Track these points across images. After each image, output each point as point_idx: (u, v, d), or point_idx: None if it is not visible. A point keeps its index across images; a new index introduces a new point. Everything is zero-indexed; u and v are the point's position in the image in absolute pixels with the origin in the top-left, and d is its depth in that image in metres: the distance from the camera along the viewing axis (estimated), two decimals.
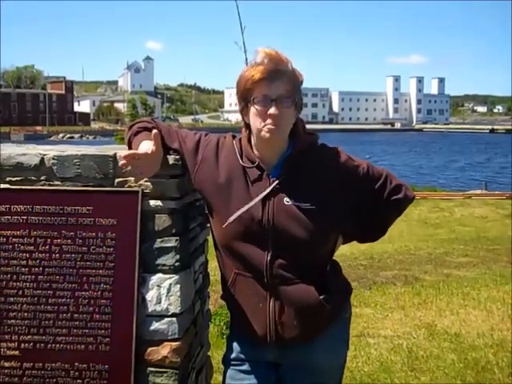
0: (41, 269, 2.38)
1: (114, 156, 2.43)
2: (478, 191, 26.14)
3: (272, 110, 2.15)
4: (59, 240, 2.38)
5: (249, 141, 2.32)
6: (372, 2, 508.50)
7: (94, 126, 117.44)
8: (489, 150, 72.57)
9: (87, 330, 2.36)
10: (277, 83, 2.16)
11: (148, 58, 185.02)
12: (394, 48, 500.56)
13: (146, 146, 2.25)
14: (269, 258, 2.22)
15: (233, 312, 2.45)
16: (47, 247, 2.39)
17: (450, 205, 20.94)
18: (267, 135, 2.18)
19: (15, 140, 74.01)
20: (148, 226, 2.40)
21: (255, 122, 2.21)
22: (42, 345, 2.37)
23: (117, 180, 2.43)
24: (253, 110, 2.20)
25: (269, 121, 2.16)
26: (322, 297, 2.25)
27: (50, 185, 2.44)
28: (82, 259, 2.38)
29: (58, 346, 2.37)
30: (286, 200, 2.22)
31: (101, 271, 2.37)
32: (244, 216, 2.22)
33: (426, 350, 5.39)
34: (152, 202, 2.40)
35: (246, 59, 5.37)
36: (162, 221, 2.39)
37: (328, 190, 2.25)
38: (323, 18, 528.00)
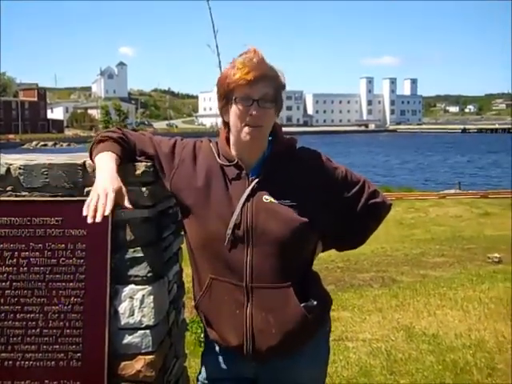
0: (8, 283, 2.29)
1: (84, 164, 2.36)
2: (452, 191, 26.39)
3: (254, 111, 2.13)
4: (27, 253, 2.30)
5: (227, 140, 2.28)
6: (344, 3, 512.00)
7: (68, 133, 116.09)
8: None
9: (57, 346, 2.28)
10: (260, 85, 2.14)
11: (121, 64, 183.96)
12: (366, 49, 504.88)
13: (102, 184, 2.15)
14: (248, 259, 2.16)
15: (207, 321, 2.35)
16: (14, 260, 2.30)
17: (424, 205, 21.11)
18: (247, 137, 2.16)
19: None
20: (119, 236, 2.33)
21: (236, 121, 2.18)
22: (11, 362, 2.28)
23: (86, 189, 2.36)
24: (234, 109, 2.18)
25: (250, 121, 2.14)
26: (302, 305, 2.19)
27: (16, 195, 2.36)
28: (51, 272, 2.29)
29: (27, 363, 2.28)
30: (265, 197, 2.18)
31: (71, 284, 2.29)
32: (223, 216, 2.17)
33: (405, 353, 5.38)
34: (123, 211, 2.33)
35: (220, 62, 5.32)
36: (134, 230, 2.33)
37: (307, 189, 2.22)
38: (296, 21, 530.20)
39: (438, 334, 5.89)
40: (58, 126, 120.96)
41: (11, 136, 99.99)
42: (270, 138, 2.28)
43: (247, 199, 2.18)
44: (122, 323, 2.32)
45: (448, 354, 5.32)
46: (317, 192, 2.23)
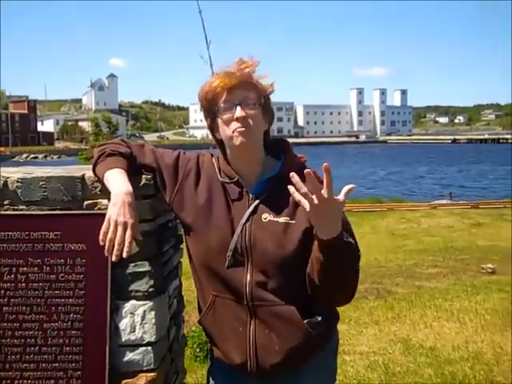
0: (6, 299, 2.23)
1: (83, 177, 2.31)
2: (443, 201, 26.44)
3: (238, 113, 2.09)
4: (25, 268, 2.24)
5: (226, 158, 2.24)
6: (334, 15, 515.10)
7: (58, 145, 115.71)
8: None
9: (57, 364, 2.21)
10: (240, 89, 2.12)
11: (112, 76, 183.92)
12: (357, 60, 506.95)
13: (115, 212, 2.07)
14: (248, 279, 2.13)
15: (210, 338, 2.32)
16: (12, 276, 2.24)
17: (416, 215, 21.11)
18: (238, 139, 2.11)
19: None
20: None
21: (224, 131, 2.15)
22: (9, 381, 2.21)
23: (86, 202, 2.31)
24: (220, 120, 2.15)
25: (236, 124, 2.10)
26: (306, 321, 2.14)
27: (14, 209, 2.31)
28: (50, 288, 2.24)
29: (25, 381, 2.21)
30: (264, 217, 2.14)
31: (70, 300, 2.24)
32: (223, 236, 2.14)
33: (403, 366, 5.34)
34: None
35: (213, 73, 5.30)
36: (135, 244, 2.27)
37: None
38: (287, 33, 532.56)
39: (436, 346, 5.86)
40: (48, 138, 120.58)
41: (1, 149, 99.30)
42: (281, 158, 2.25)
43: (247, 219, 2.15)
44: (123, 340, 2.27)
45: (446, 366, 5.29)
46: None
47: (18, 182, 2.31)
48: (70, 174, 2.32)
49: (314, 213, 1.87)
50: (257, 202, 2.17)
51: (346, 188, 1.88)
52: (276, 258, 2.11)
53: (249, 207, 2.17)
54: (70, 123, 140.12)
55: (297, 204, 2.14)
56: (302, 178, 2.20)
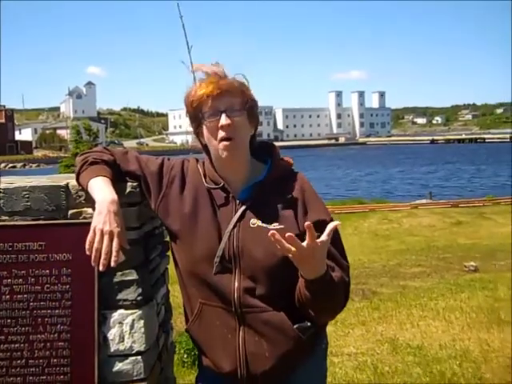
0: None
1: (67, 186, 2.27)
2: (424, 201, 26.61)
3: (223, 121, 2.07)
4: (9, 280, 2.19)
5: (211, 163, 2.22)
6: (311, 19, 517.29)
7: (37, 154, 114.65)
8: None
9: (44, 377, 2.16)
10: (225, 96, 2.09)
11: (90, 83, 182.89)
12: (334, 64, 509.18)
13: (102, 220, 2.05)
14: (236, 285, 2.10)
15: (199, 346, 2.28)
16: None
17: (398, 216, 21.22)
18: (225, 153, 2.10)
19: None
20: None
21: (210, 139, 2.13)
22: None
23: (70, 212, 2.27)
24: (205, 127, 2.13)
25: (222, 133, 2.08)
26: (295, 326, 2.12)
27: None
28: (35, 299, 2.19)
29: None
30: (252, 222, 2.12)
31: (57, 311, 2.19)
32: (210, 243, 2.12)
33: (391, 366, 5.34)
34: None
35: (195, 78, 5.28)
36: (122, 253, 2.24)
37: (295, 214, 2.15)
38: (264, 37, 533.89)
39: (423, 345, 5.87)
40: (26, 147, 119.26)
41: None
42: (267, 162, 2.24)
43: (235, 225, 2.13)
44: (112, 350, 2.23)
45: (434, 365, 5.29)
46: (302, 220, 2.13)
47: (0, 192, 2.26)
48: (53, 183, 2.28)
49: (296, 258, 1.89)
50: (244, 207, 2.14)
51: (329, 227, 1.90)
52: (264, 264, 2.08)
53: (236, 213, 2.15)
54: (48, 131, 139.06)
55: (285, 208, 2.14)
56: (288, 182, 2.19)
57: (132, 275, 2.25)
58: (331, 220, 2.09)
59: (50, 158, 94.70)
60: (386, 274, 10.57)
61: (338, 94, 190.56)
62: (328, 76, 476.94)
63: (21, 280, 2.20)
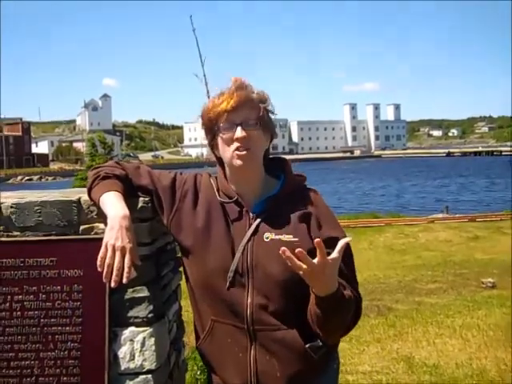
0: (1, 328, 2.16)
1: (78, 201, 2.25)
2: (440, 215, 26.40)
3: (238, 133, 2.06)
4: (20, 296, 2.18)
5: (225, 176, 2.20)
6: (324, 29, 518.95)
7: (53, 166, 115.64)
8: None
9: None
10: (241, 110, 2.08)
11: (105, 96, 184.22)
12: (348, 77, 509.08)
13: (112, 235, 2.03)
14: (249, 301, 2.06)
15: (210, 364, 2.24)
16: (7, 305, 2.17)
17: (414, 230, 21.05)
18: (238, 162, 2.08)
19: None
20: None
21: (224, 151, 2.12)
22: None
23: (82, 227, 2.25)
24: (220, 139, 2.12)
25: (237, 145, 2.07)
26: (308, 345, 2.08)
27: (8, 235, 2.25)
28: (46, 316, 2.17)
29: None
30: (266, 236, 2.09)
31: (67, 328, 2.17)
32: (224, 257, 2.08)
33: None
34: None
35: (208, 91, 5.28)
36: (133, 269, 2.21)
37: (308, 228, 2.12)
38: (277, 51, 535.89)
39: (439, 363, 5.77)
40: (43, 160, 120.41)
41: None
42: (280, 177, 2.22)
43: (249, 239, 2.10)
44: (123, 368, 2.19)
45: None
46: (314, 234, 2.11)
47: (11, 207, 2.25)
48: (65, 198, 2.26)
49: (306, 275, 1.87)
50: (258, 220, 2.12)
51: (340, 243, 1.88)
52: (279, 278, 2.05)
53: (250, 227, 2.12)
54: (64, 144, 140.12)
55: (298, 221, 2.11)
56: (301, 197, 2.16)
57: (143, 292, 2.22)
58: (344, 236, 2.05)
59: (66, 170, 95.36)
60: (402, 290, 10.45)
61: (353, 107, 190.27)
62: (341, 88, 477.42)
63: (32, 296, 2.18)
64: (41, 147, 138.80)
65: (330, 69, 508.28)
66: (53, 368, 2.15)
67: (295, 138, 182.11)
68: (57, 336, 2.16)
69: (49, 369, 2.15)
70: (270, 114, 2.19)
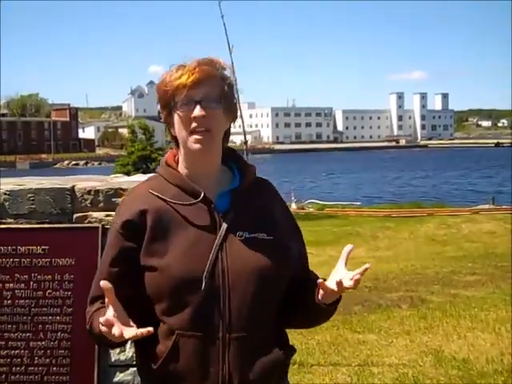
0: None
1: (72, 189, 2.22)
2: (486, 206, 25.81)
3: (197, 111, 1.86)
4: (11, 284, 2.17)
5: (176, 162, 2.01)
6: (371, 19, 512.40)
7: (99, 152, 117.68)
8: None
9: None
10: (202, 85, 1.89)
11: (151, 83, 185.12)
12: (395, 65, 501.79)
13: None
14: (222, 306, 1.86)
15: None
16: None
17: (457, 221, 20.60)
18: (197, 145, 1.89)
19: (20, 168, 74.51)
20: None
21: (180, 130, 1.91)
22: None
23: (75, 215, 2.22)
24: (176, 116, 1.92)
25: (194, 125, 1.88)
26: (282, 351, 1.94)
27: (1, 223, 2.23)
28: (37, 305, 2.16)
29: None
30: (239, 235, 1.91)
31: (58, 318, 2.15)
32: (191, 258, 1.86)
33: (433, 379, 5.12)
34: None
35: (236, 79, 5.20)
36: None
37: (277, 223, 1.99)
38: (323, 39, 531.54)
39: (469, 358, 5.60)
40: (89, 145, 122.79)
41: (44, 156, 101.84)
42: (232, 167, 2.04)
43: (222, 239, 1.89)
44: (113, 360, 2.17)
45: (479, 380, 5.05)
46: (286, 222, 2.03)
47: (5, 194, 2.23)
48: (59, 186, 2.23)
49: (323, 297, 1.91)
50: (228, 218, 1.92)
51: (363, 267, 1.85)
52: (257, 280, 1.88)
53: (220, 225, 1.92)
54: (110, 130, 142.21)
55: (268, 217, 1.98)
56: (261, 189, 2.05)
57: None
58: (298, 229, 2.08)
59: (111, 156, 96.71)
60: (439, 282, 10.23)
61: (400, 96, 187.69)
62: (388, 77, 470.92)
63: (23, 285, 2.17)
64: (87, 133, 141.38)
65: (376, 57, 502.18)
66: (43, 357, 2.14)
67: (340, 127, 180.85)
68: (47, 325, 2.15)
69: (39, 358, 2.14)
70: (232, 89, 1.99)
